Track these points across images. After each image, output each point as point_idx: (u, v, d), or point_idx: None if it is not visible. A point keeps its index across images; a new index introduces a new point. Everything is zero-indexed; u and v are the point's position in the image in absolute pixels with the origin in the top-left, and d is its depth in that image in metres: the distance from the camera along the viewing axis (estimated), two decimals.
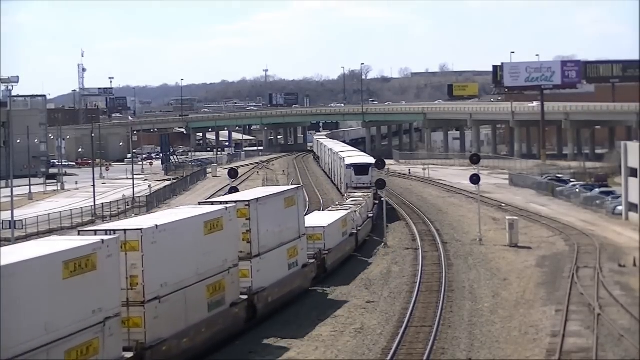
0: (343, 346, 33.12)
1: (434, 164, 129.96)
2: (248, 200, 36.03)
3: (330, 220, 50.61)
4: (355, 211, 58.41)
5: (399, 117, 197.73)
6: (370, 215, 64.75)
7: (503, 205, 78.20)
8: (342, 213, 54.95)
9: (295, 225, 41.55)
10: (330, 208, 63.44)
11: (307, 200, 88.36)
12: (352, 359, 31.61)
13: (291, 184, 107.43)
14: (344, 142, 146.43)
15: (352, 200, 65.21)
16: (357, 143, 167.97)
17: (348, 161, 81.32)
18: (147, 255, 26.87)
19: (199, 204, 37.33)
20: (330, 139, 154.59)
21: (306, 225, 44.56)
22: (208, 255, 30.90)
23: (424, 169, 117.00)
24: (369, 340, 33.87)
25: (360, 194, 69.69)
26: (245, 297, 34.35)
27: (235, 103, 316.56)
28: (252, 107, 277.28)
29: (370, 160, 79.96)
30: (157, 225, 27.86)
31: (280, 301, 38.43)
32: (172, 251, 28.48)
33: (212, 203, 36.18)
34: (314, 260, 44.59)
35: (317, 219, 51.36)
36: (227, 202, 35.04)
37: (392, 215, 70.28)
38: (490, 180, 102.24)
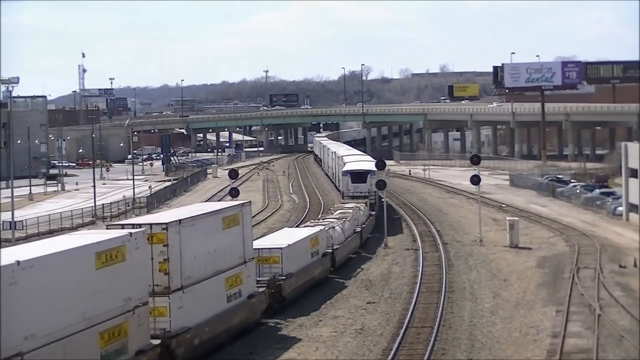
0: (343, 347, 33.13)
1: (434, 165, 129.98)
2: (166, 223, 29.46)
3: (293, 239, 43.32)
4: (334, 227, 51.37)
5: (399, 118, 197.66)
6: (358, 229, 57.44)
7: (503, 206, 78.17)
8: (313, 230, 47.89)
9: (239, 248, 35.05)
10: (307, 223, 56.61)
11: (308, 202, 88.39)
12: (353, 359, 31.64)
13: (291, 185, 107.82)
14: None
15: (340, 212, 58.87)
16: (353, 145, 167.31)
17: (346, 167, 74.85)
18: (2, 301, 21.56)
19: (107, 227, 31.52)
20: (332, 140, 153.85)
21: (261, 247, 39.98)
22: (102, 294, 25.19)
23: (424, 170, 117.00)
24: (369, 340, 33.87)
25: (351, 205, 62.15)
26: (158, 341, 28.25)
27: (236, 104, 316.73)
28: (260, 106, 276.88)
29: (370, 166, 71.98)
30: (18, 262, 22.05)
31: (212, 342, 31.82)
32: (44, 293, 22.86)
33: (123, 226, 29.36)
34: (265, 288, 37.84)
35: (277, 239, 44.43)
36: (139, 225, 28.86)
37: (394, 222, 67.10)
38: (491, 181, 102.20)
